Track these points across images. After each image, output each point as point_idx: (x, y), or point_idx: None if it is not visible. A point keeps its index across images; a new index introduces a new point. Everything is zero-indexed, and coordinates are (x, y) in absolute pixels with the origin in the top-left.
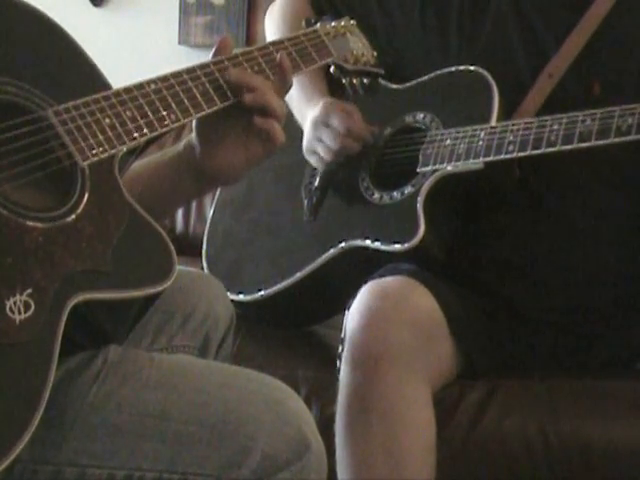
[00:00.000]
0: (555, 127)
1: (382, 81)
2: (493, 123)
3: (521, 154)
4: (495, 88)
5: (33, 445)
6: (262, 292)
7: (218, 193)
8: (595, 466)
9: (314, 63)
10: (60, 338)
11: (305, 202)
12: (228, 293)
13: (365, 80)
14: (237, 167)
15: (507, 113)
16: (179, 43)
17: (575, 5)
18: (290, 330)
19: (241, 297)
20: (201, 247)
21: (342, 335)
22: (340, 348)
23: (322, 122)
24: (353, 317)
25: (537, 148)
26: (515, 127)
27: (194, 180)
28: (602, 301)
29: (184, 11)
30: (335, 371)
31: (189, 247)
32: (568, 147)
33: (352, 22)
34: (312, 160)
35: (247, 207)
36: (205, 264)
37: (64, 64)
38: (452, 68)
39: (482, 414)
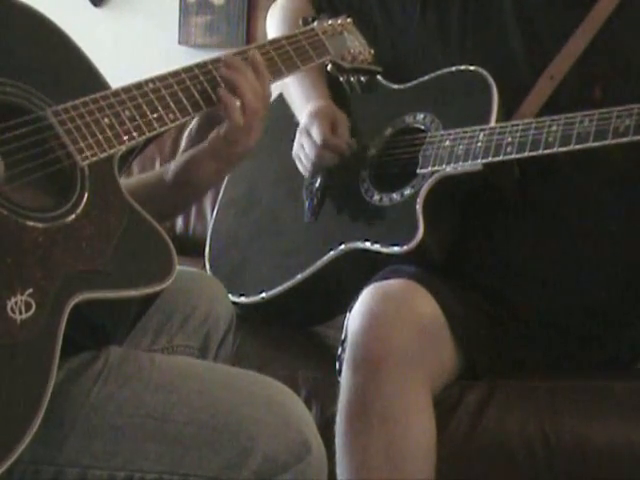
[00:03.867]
0: (553, 128)
1: (382, 81)
2: (492, 124)
3: (519, 156)
4: (495, 89)
5: (34, 445)
6: (264, 294)
7: (221, 194)
8: (595, 466)
9: (311, 61)
10: (61, 338)
11: (306, 203)
12: (230, 295)
13: (363, 78)
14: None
15: (507, 114)
16: (179, 43)
17: (577, 7)
18: (291, 330)
19: (243, 299)
20: (201, 247)
21: (343, 337)
22: (340, 350)
23: (305, 130)
24: (355, 319)
25: (535, 150)
26: (513, 128)
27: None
28: (602, 301)
29: (184, 11)
30: (335, 372)
31: (189, 247)
32: (566, 149)
33: (349, 20)
34: (298, 166)
35: (249, 208)
36: (208, 265)
37: (63, 64)
38: (452, 68)
39: (482, 414)
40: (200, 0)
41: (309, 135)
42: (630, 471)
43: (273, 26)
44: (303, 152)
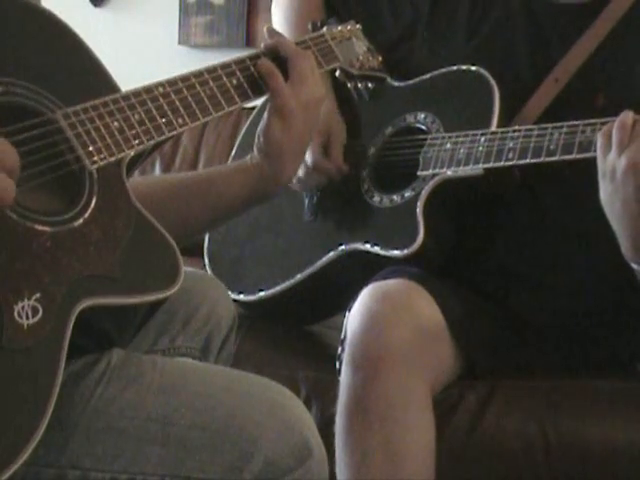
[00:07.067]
0: (555, 136)
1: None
2: (494, 127)
3: (520, 162)
4: (496, 90)
5: (36, 448)
6: (262, 293)
7: None
8: (595, 466)
9: (321, 68)
10: (67, 343)
11: (306, 201)
12: (229, 292)
13: (370, 85)
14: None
15: (509, 116)
16: (179, 43)
17: (586, 12)
18: (291, 330)
19: (242, 297)
20: (201, 246)
21: (342, 337)
22: (340, 349)
23: None
24: (354, 319)
25: (537, 157)
26: (515, 134)
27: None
28: (603, 303)
29: (184, 11)
30: (335, 372)
31: (190, 246)
32: (568, 157)
33: (358, 26)
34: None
35: None
36: (207, 262)
37: (74, 66)
38: (454, 67)
39: (482, 414)
40: (200, 0)
41: None
42: (629, 471)
43: (280, 16)
44: None
